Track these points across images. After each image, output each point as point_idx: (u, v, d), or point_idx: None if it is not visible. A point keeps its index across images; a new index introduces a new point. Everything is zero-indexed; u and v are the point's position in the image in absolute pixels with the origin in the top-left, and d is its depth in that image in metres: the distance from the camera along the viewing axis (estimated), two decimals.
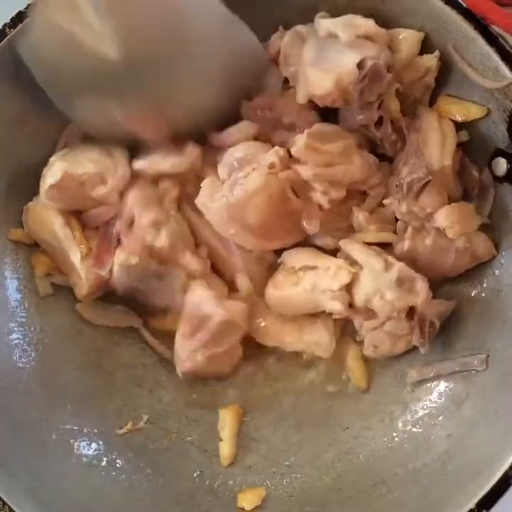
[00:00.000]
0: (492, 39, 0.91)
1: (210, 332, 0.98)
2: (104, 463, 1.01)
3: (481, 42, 0.92)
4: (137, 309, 1.07)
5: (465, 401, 0.98)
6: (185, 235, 1.03)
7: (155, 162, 1.01)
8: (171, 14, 0.90)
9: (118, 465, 1.01)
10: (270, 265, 1.05)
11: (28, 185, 1.03)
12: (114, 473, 1.00)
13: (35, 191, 1.03)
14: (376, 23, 0.99)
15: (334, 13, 1.01)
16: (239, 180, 0.97)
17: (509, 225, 0.99)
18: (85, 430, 1.02)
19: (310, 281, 0.99)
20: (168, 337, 1.05)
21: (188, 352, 1.00)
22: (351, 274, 0.97)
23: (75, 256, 1.01)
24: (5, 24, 0.94)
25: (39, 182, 1.02)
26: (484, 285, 1.02)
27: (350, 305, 0.99)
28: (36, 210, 1.02)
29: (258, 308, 1.04)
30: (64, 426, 1.01)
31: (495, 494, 0.83)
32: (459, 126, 1.01)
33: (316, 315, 1.03)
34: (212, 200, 0.99)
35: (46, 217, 1.01)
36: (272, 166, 0.95)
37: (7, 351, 1.02)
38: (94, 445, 1.01)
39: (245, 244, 1.01)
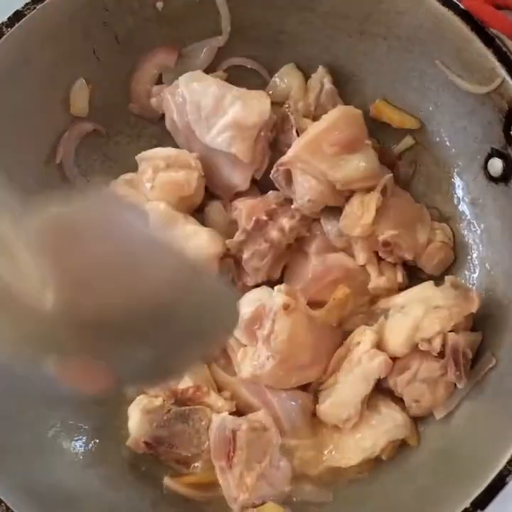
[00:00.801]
0: (489, 40, 0.92)
1: (242, 446, 0.94)
2: (100, 461, 1.01)
3: (477, 43, 0.92)
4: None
5: (461, 401, 0.98)
6: (207, 377, 1.02)
7: None
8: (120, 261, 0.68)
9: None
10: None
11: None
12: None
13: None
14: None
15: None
16: (270, 337, 0.96)
17: (505, 224, 0.99)
18: (82, 429, 1.02)
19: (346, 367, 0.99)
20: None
21: (237, 483, 0.95)
22: (374, 333, 0.99)
23: None
24: (2, 23, 0.94)
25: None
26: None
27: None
28: None
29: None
30: (61, 423, 1.01)
31: (489, 493, 0.83)
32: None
33: (369, 406, 1.00)
34: (259, 366, 0.98)
35: None
36: (286, 306, 0.96)
37: None
38: (91, 444, 1.01)
39: (306, 380, 1.01)
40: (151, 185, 1.04)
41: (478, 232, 1.05)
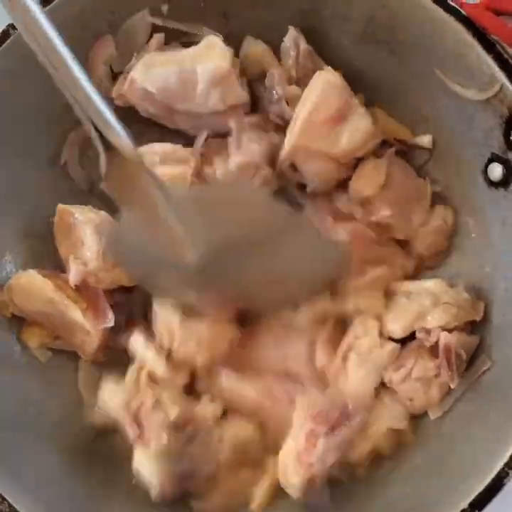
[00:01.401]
0: (489, 46, 0.92)
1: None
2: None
3: (478, 48, 0.93)
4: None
5: (458, 402, 0.99)
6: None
7: None
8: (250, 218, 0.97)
9: None
10: None
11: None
12: None
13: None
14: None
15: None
16: None
17: (504, 229, 1.00)
18: None
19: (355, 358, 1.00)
20: None
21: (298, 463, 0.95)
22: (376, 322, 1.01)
23: (76, 313, 1.00)
24: (8, 25, 0.95)
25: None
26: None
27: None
28: (21, 285, 1.01)
29: None
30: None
31: (488, 494, 0.84)
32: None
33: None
34: None
35: (34, 287, 1.01)
36: None
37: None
38: None
39: None
40: None
41: (478, 236, 1.05)
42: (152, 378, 0.98)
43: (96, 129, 0.84)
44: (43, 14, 0.79)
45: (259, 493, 0.99)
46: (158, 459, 0.94)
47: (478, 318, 1.00)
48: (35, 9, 0.78)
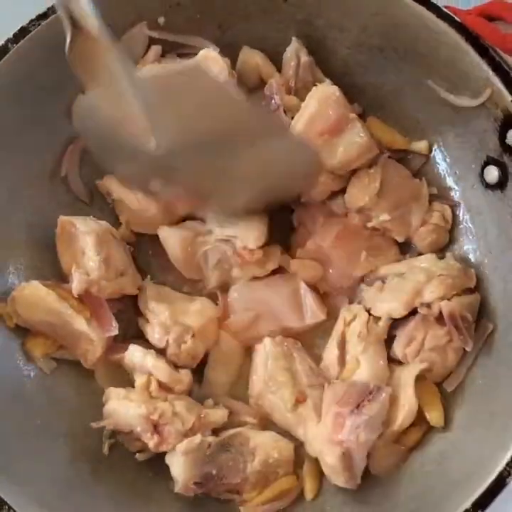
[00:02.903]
0: (483, 50, 0.94)
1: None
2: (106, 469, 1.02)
3: (472, 53, 0.94)
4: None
5: (461, 404, 1.00)
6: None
7: None
8: (216, 110, 0.92)
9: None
10: None
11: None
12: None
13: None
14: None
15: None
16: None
17: (501, 230, 1.01)
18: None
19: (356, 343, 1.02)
20: None
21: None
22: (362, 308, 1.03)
23: (80, 322, 1.01)
24: (8, 39, 0.96)
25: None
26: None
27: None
28: (24, 296, 1.02)
29: None
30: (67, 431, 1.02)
31: (490, 494, 0.84)
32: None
33: None
34: None
35: (37, 298, 1.01)
36: None
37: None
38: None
39: None
40: None
41: (475, 238, 1.06)
42: (162, 386, 1.00)
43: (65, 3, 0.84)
44: None
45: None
46: (186, 459, 0.96)
47: (472, 285, 1.01)
48: None
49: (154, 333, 1.03)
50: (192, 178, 0.98)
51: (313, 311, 1.07)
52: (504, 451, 0.86)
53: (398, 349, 1.01)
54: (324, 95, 1.02)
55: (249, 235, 1.03)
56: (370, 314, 1.03)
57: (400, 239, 1.07)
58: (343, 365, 1.02)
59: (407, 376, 0.99)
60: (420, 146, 1.10)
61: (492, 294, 1.02)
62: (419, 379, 0.99)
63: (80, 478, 0.99)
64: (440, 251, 1.08)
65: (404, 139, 1.11)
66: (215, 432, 1.00)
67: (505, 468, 0.85)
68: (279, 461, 0.99)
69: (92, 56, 0.87)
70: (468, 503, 0.84)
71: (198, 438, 0.96)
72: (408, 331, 1.00)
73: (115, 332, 1.02)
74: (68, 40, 0.86)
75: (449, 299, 0.98)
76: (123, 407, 0.97)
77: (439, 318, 0.99)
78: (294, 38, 1.08)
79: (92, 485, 0.99)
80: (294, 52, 1.08)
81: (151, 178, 0.98)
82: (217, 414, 1.00)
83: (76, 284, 1.00)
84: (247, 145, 0.92)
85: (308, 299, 1.07)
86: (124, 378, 1.04)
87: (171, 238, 1.06)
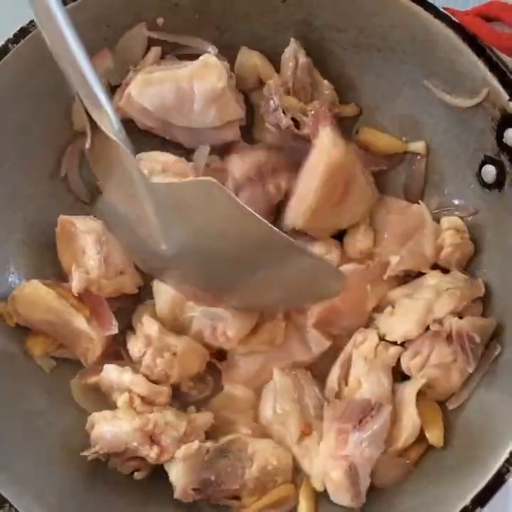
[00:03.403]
0: (480, 50, 0.94)
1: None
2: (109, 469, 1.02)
3: (469, 53, 0.95)
4: None
5: (472, 392, 0.99)
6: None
7: None
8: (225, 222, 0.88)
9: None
10: None
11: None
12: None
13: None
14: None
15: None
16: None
17: (499, 229, 1.02)
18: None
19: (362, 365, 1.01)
20: None
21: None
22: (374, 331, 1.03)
23: (80, 321, 1.01)
24: (8, 39, 0.97)
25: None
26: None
27: None
28: (25, 295, 1.02)
29: None
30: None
31: (489, 491, 0.84)
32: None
33: None
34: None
35: (38, 297, 1.02)
36: None
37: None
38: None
39: None
40: None
41: (473, 237, 1.06)
42: (144, 401, 0.99)
43: (84, 105, 0.86)
44: None
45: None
46: (184, 464, 0.96)
47: (481, 294, 1.01)
48: None
49: (136, 343, 1.02)
50: (203, 281, 0.98)
51: (318, 340, 1.05)
52: (503, 448, 0.86)
53: (404, 361, 1.01)
54: (335, 167, 1.00)
55: (236, 323, 1.02)
56: (384, 340, 1.02)
57: (424, 270, 1.05)
58: (344, 384, 1.01)
59: (409, 392, 0.98)
60: (417, 146, 1.10)
61: (489, 291, 1.03)
62: (422, 396, 0.98)
63: (80, 477, 0.99)
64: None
65: (400, 142, 1.11)
66: (214, 438, 1.00)
67: (503, 465, 0.85)
68: (277, 468, 0.98)
69: (110, 157, 0.89)
70: (467, 500, 0.84)
71: (195, 444, 0.96)
72: (416, 344, 1.00)
73: (115, 331, 1.02)
74: (89, 140, 0.90)
75: (461, 315, 0.99)
76: (114, 427, 0.96)
77: (449, 337, 0.98)
78: (292, 39, 1.08)
79: (92, 484, 1.00)
80: (293, 54, 1.08)
81: (165, 273, 1.01)
82: (204, 418, 1.00)
83: (76, 283, 1.00)
84: (264, 263, 0.90)
85: (311, 331, 1.05)
86: (102, 401, 1.04)
87: (163, 294, 1.05)
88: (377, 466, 0.95)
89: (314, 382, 1.04)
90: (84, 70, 0.85)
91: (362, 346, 1.01)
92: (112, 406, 1.00)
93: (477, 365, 0.98)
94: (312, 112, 1.04)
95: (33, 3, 0.83)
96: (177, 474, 0.96)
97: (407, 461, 0.98)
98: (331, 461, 0.95)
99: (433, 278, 1.03)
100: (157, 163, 1.05)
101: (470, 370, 0.97)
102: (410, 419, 0.96)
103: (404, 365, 1.01)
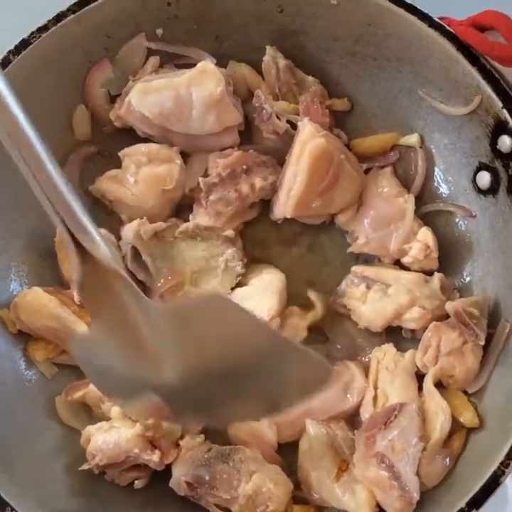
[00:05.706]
0: (474, 59, 0.96)
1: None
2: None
3: (463, 61, 0.96)
4: None
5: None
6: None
7: None
8: (228, 339, 0.84)
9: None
10: None
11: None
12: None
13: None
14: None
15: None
16: None
17: (493, 235, 1.03)
18: None
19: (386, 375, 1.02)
20: None
21: None
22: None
23: (81, 327, 1.02)
24: (9, 51, 0.98)
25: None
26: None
27: None
28: (26, 302, 1.03)
29: None
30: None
31: (484, 493, 0.85)
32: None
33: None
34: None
35: (39, 304, 1.02)
36: None
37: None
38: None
39: None
40: (134, 179, 1.08)
41: (468, 243, 1.07)
42: None
43: (70, 233, 0.78)
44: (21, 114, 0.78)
45: None
46: (185, 453, 0.97)
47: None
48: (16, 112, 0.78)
49: None
50: (202, 404, 0.91)
51: (359, 386, 1.03)
52: (498, 450, 0.86)
53: (418, 359, 1.01)
54: (318, 153, 1.02)
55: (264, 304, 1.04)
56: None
57: (388, 260, 1.08)
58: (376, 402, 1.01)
59: (427, 384, 0.98)
60: (412, 140, 1.11)
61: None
62: (446, 389, 0.99)
63: (81, 479, 0.99)
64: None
65: (392, 135, 1.11)
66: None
67: (498, 468, 0.85)
68: (272, 494, 0.95)
69: (101, 285, 0.82)
70: (462, 503, 0.85)
71: (200, 437, 0.98)
72: (423, 340, 1.01)
73: None
74: (79, 274, 0.80)
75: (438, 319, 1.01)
76: (112, 436, 0.96)
77: (449, 325, 0.99)
78: (267, 47, 1.09)
79: (92, 486, 1.00)
80: (271, 59, 1.09)
81: (154, 408, 0.92)
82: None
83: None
84: (265, 366, 0.86)
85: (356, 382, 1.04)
86: (87, 417, 1.04)
87: None
88: (422, 464, 0.92)
89: (348, 428, 1.02)
90: (67, 198, 0.77)
91: (383, 360, 1.03)
92: (98, 420, 1.00)
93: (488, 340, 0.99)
94: (303, 105, 1.06)
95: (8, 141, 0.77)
96: (176, 462, 0.97)
97: (452, 452, 0.96)
98: (363, 465, 0.94)
99: (414, 282, 1.03)
100: (142, 155, 1.07)
101: (481, 342, 0.98)
102: (439, 406, 0.96)
103: (419, 364, 1.01)
